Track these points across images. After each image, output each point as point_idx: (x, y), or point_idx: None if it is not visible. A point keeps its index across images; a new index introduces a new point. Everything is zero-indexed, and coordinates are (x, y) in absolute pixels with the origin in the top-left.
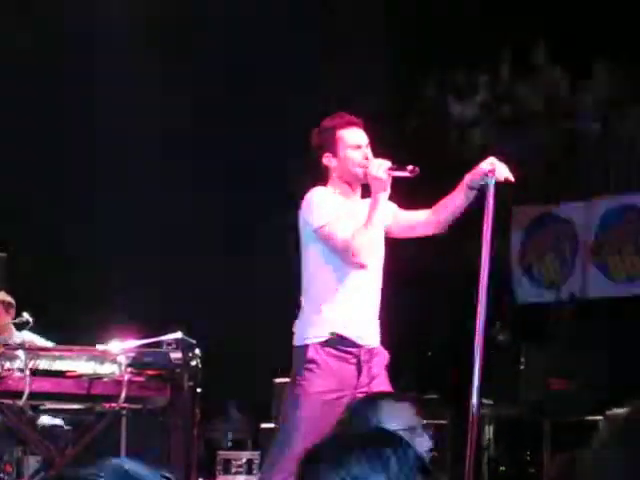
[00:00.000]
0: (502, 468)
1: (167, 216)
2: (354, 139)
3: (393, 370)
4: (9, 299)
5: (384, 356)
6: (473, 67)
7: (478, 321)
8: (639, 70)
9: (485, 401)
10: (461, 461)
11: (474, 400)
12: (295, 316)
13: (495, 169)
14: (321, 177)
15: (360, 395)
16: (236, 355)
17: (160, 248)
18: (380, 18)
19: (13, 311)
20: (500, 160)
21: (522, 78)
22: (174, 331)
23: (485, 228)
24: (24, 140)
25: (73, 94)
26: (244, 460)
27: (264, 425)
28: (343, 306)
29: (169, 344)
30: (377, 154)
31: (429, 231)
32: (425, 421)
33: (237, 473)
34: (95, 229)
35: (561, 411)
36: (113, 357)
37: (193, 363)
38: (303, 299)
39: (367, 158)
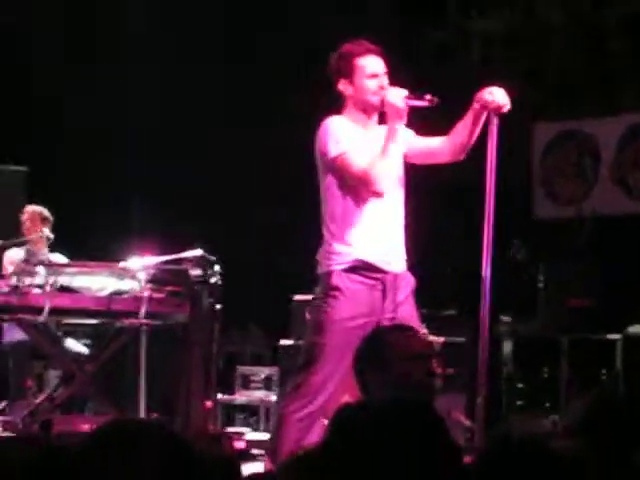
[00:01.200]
0: (519, 385)
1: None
2: (372, 67)
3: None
4: (46, 213)
5: (410, 281)
6: None
7: (485, 241)
8: None
9: (503, 318)
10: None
11: (484, 315)
12: (317, 243)
13: (495, 103)
14: (336, 104)
15: (386, 321)
16: (256, 271)
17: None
18: None
19: (49, 226)
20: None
21: None
22: (194, 248)
23: (489, 165)
24: None
25: None
26: (263, 376)
27: (283, 342)
28: (365, 233)
29: (189, 261)
30: (396, 77)
31: (446, 158)
32: (442, 339)
33: (256, 389)
34: (120, 153)
35: (579, 329)
36: (133, 273)
37: (213, 280)
38: (324, 228)
39: (383, 87)
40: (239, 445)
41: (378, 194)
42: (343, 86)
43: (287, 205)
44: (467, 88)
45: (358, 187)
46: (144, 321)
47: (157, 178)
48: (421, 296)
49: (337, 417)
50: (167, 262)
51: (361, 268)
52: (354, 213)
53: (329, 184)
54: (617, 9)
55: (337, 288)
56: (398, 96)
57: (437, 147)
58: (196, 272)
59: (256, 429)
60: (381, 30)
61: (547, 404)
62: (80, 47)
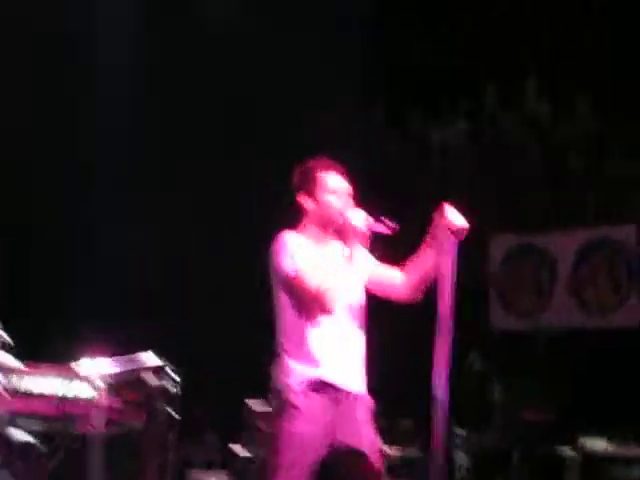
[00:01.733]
0: None
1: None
2: (334, 184)
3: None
4: None
5: (369, 403)
6: (457, 96)
7: (438, 369)
8: (621, 105)
9: (457, 430)
10: None
11: (438, 434)
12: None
13: (454, 227)
14: (295, 219)
15: (343, 442)
16: (211, 372)
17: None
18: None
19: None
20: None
21: (506, 108)
22: (146, 350)
23: (444, 282)
24: None
25: None
26: None
27: (233, 447)
28: (320, 351)
29: (147, 368)
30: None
31: (403, 296)
32: (396, 452)
33: None
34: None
35: (533, 442)
36: (90, 379)
37: (170, 388)
38: (278, 342)
39: (346, 208)
40: None
41: (329, 312)
42: (304, 199)
43: (242, 310)
44: (426, 201)
45: (311, 306)
46: (100, 428)
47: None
48: (377, 405)
49: None
50: (124, 368)
51: (318, 387)
52: (309, 331)
53: (283, 300)
54: (574, 127)
55: (294, 406)
56: (359, 218)
57: (397, 283)
58: (153, 380)
59: None
60: (343, 143)
61: None
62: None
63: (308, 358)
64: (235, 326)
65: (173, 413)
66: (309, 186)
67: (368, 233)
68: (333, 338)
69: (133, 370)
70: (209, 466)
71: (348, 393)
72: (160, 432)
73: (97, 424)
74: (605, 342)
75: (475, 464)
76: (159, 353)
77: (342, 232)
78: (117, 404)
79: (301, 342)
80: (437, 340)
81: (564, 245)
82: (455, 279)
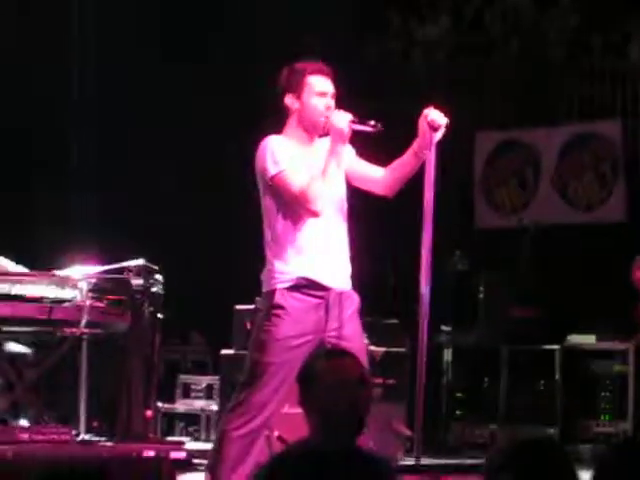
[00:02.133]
0: (459, 394)
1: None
2: (321, 86)
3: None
4: None
5: (355, 300)
6: None
7: (424, 259)
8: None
9: (444, 328)
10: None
11: (423, 327)
12: (262, 250)
13: (437, 125)
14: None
15: (330, 339)
16: (199, 280)
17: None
18: None
19: None
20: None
21: (487, 3)
22: (136, 258)
23: (426, 185)
24: None
25: None
26: (204, 385)
27: (224, 351)
28: (307, 251)
29: (130, 270)
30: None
31: (378, 190)
32: (382, 349)
33: (197, 398)
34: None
35: (519, 339)
36: (74, 282)
37: (154, 289)
38: (266, 247)
39: (329, 108)
40: (179, 455)
41: (315, 214)
42: (290, 100)
43: (231, 214)
44: (411, 99)
45: (296, 206)
46: (85, 330)
47: (103, 185)
48: (363, 305)
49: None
50: (109, 271)
51: (304, 286)
52: (294, 233)
53: (269, 203)
54: (556, 21)
55: (280, 307)
56: (343, 119)
57: (375, 177)
58: (137, 281)
59: (197, 438)
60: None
61: (486, 414)
62: None
63: (294, 259)
64: (224, 231)
65: (158, 314)
66: (296, 87)
67: (350, 133)
68: (319, 237)
69: (117, 271)
70: (199, 369)
71: (335, 291)
72: (145, 334)
73: (82, 327)
74: (591, 237)
75: (462, 361)
76: (150, 259)
77: (327, 134)
78: (101, 306)
79: (286, 244)
80: (422, 239)
81: (549, 140)
82: (436, 178)
